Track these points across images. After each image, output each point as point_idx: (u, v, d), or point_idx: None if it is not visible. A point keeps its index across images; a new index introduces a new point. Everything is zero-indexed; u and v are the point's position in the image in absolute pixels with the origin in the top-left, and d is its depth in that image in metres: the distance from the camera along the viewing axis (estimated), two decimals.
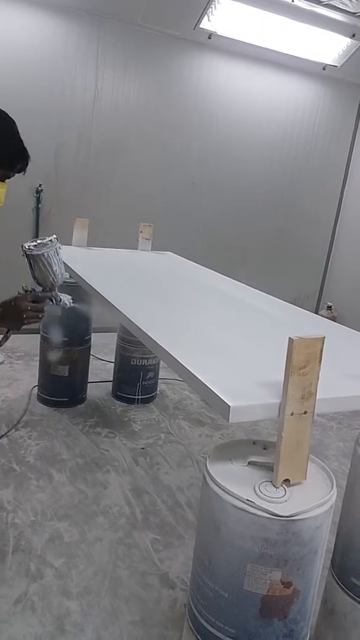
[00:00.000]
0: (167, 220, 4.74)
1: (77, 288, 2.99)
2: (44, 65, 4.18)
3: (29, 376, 3.67)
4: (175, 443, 3.11)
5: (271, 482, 1.27)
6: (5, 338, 1.68)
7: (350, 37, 4.60)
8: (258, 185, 5.32)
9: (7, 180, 1.68)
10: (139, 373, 3.53)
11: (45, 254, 1.60)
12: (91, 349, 3.52)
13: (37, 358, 3.52)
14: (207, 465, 1.32)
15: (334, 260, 5.95)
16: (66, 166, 4.49)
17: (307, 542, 1.22)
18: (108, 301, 2.11)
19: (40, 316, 1.67)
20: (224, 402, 1.23)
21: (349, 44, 4.71)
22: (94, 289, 2.29)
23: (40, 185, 4.38)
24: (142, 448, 3.00)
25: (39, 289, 1.69)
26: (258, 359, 1.63)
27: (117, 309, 2.00)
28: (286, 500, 1.23)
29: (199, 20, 4.34)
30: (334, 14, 4.33)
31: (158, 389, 3.73)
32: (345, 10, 4.28)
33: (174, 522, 2.41)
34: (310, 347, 1.19)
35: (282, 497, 1.24)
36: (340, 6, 4.23)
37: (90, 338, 3.43)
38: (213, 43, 4.61)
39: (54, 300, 1.71)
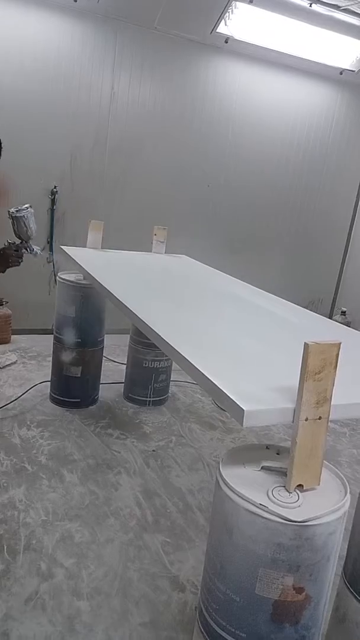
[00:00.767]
0: (181, 222, 4.76)
1: (92, 289, 3.04)
2: (61, 69, 4.22)
3: (42, 376, 3.69)
4: (186, 446, 3.11)
5: (284, 487, 1.27)
6: None
7: None
8: (273, 188, 5.32)
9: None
10: (151, 375, 3.54)
11: (25, 215, 2.38)
12: (104, 351, 3.53)
13: (50, 358, 3.54)
14: (220, 468, 1.32)
15: (349, 265, 5.92)
16: (81, 168, 4.52)
17: (320, 548, 1.22)
18: (122, 303, 2.12)
19: (19, 261, 2.43)
20: (238, 406, 1.24)
21: None
22: (109, 291, 2.31)
23: (55, 186, 4.41)
24: (153, 450, 3.01)
25: (17, 241, 2.44)
26: (272, 364, 1.63)
27: (132, 311, 2.01)
28: (299, 506, 1.23)
29: (216, 25, 4.35)
30: (352, 18, 4.33)
31: (170, 391, 3.73)
32: None
33: (184, 525, 2.41)
34: (326, 353, 1.19)
35: (295, 502, 1.23)
36: (359, 11, 4.22)
37: (103, 339, 3.44)
38: (230, 47, 4.62)
39: (28, 249, 2.46)
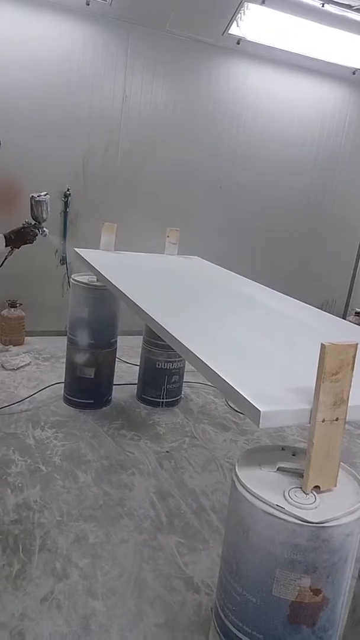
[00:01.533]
0: (193, 224, 4.76)
1: (105, 291, 3.05)
2: (73, 72, 4.25)
3: (55, 377, 3.71)
4: (199, 447, 3.10)
5: (301, 488, 1.27)
6: (11, 252, 2.79)
7: None
8: (286, 189, 5.30)
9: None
10: (164, 376, 3.54)
11: (45, 201, 2.78)
12: (117, 352, 3.54)
13: (63, 360, 3.56)
14: (236, 470, 1.32)
15: None
16: (94, 170, 4.54)
17: (337, 550, 1.21)
18: (136, 304, 2.12)
19: (34, 239, 2.81)
20: (255, 407, 1.23)
21: None
22: (122, 293, 2.32)
23: (68, 189, 4.43)
24: (167, 451, 3.01)
25: (33, 222, 2.80)
26: (288, 364, 1.62)
27: (146, 313, 2.01)
28: (316, 507, 1.22)
29: (228, 26, 4.35)
30: None
31: (182, 392, 3.73)
32: None
33: (198, 526, 2.40)
34: (343, 354, 1.18)
35: (312, 503, 1.23)
36: None
37: (116, 341, 3.45)
38: (242, 48, 4.62)
39: (40, 230, 2.80)
